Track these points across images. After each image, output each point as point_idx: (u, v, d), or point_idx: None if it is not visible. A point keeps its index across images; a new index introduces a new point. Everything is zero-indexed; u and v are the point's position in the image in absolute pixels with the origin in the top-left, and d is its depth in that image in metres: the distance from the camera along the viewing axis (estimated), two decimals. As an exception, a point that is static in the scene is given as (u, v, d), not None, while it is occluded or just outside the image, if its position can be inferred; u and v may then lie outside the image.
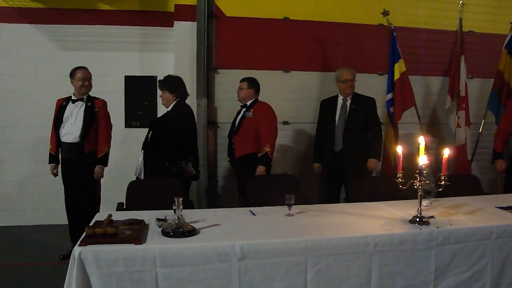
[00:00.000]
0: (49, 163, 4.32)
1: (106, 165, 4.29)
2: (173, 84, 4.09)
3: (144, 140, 4.05)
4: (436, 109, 5.84)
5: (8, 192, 5.27)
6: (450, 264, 2.58)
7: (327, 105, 4.65)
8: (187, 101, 4.20)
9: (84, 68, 4.24)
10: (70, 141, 4.17)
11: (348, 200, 3.97)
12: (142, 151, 4.00)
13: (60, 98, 4.31)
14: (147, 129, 4.08)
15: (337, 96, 4.60)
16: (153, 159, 3.91)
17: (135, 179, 3.94)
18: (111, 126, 4.38)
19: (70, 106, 4.21)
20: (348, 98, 4.53)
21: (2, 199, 5.27)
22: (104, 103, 4.31)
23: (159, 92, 4.16)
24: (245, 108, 4.46)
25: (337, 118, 4.50)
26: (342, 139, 4.43)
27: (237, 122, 4.48)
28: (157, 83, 4.12)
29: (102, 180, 4.36)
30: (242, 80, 4.52)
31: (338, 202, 4.50)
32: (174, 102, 4.07)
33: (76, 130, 4.14)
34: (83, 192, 4.21)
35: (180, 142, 3.96)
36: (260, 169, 4.23)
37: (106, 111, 4.33)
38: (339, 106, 4.54)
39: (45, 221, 5.24)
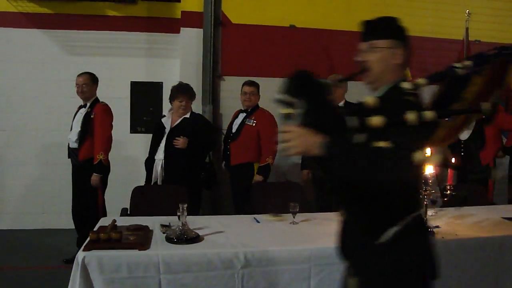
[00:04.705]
0: None
1: (101, 173, 4.08)
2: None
3: (151, 149, 4.04)
4: (442, 118, 5.81)
5: (12, 195, 5.29)
6: (454, 274, 2.55)
7: None
8: (194, 107, 4.22)
9: (84, 74, 4.20)
10: (71, 147, 4.23)
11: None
12: (162, 159, 3.92)
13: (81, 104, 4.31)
14: (151, 135, 4.11)
15: None
16: (187, 164, 3.92)
17: (140, 184, 3.93)
18: (108, 133, 4.16)
19: (78, 112, 4.26)
20: (340, 104, 4.45)
21: (7, 203, 5.29)
22: (103, 109, 4.15)
23: (177, 101, 4.03)
24: (245, 114, 4.33)
25: None
26: None
27: (235, 128, 4.34)
28: (185, 93, 4.02)
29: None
30: (250, 84, 4.34)
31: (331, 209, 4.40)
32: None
33: (74, 136, 4.16)
34: (83, 198, 4.19)
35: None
36: (258, 179, 4.15)
37: (103, 117, 4.12)
38: None
39: (49, 225, 5.24)
